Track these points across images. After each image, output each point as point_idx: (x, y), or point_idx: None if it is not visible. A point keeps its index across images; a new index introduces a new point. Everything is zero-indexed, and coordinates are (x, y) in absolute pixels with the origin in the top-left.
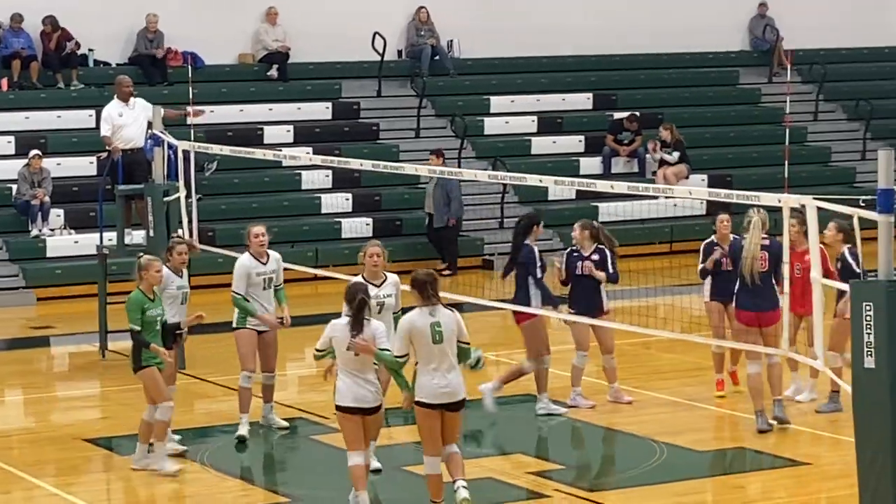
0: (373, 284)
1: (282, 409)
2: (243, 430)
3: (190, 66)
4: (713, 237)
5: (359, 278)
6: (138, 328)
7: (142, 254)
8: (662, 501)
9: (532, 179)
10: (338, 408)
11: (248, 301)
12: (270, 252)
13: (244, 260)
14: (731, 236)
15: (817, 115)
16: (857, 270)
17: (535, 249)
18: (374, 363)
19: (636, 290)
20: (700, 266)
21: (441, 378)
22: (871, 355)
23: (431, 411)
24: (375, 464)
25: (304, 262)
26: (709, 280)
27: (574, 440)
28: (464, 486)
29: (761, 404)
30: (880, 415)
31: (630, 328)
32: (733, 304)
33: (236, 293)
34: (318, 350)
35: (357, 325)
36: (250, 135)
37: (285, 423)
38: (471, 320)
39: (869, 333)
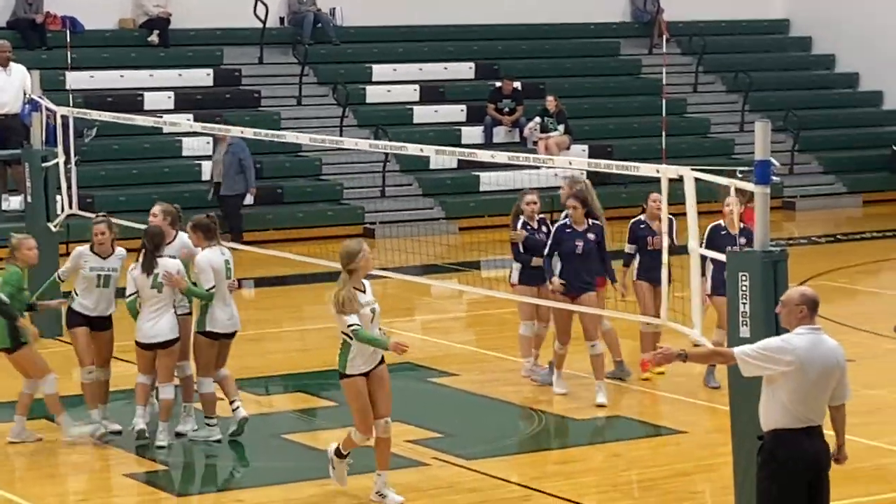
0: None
1: None
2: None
3: (69, 31)
4: (641, 216)
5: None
6: (7, 300)
7: (13, 234)
8: (541, 469)
9: (413, 148)
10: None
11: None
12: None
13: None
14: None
15: (697, 87)
16: None
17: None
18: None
19: None
20: (627, 248)
21: (230, 310)
22: (746, 325)
23: (215, 341)
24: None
25: (185, 229)
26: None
27: (453, 408)
28: (240, 405)
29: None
30: (755, 383)
31: (510, 296)
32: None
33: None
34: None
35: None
36: (131, 101)
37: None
38: None
39: (744, 303)
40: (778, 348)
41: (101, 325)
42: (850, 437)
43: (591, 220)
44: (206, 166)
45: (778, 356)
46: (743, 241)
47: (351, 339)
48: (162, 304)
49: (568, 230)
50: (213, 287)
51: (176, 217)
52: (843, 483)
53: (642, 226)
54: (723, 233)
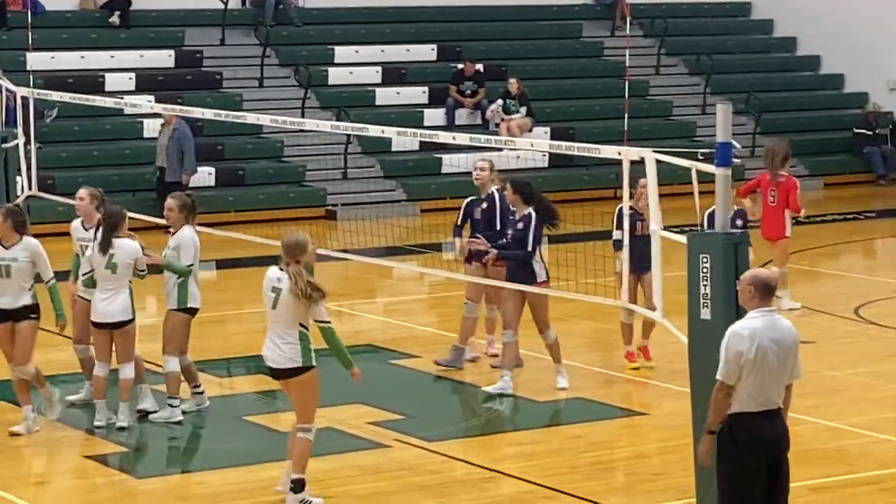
0: (171, 232)
1: None
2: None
3: (30, 12)
4: (629, 202)
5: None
6: None
7: None
8: (502, 451)
9: (375, 130)
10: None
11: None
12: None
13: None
14: None
15: (659, 70)
16: None
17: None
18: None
19: None
20: (615, 234)
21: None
22: (707, 307)
23: (192, 318)
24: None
25: (146, 210)
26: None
27: (414, 390)
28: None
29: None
30: (715, 365)
31: (472, 278)
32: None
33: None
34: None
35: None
36: (91, 82)
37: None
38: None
39: (705, 285)
40: (733, 347)
41: (14, 316)
42: (809, 419)
43: (529, 209)
44: None
45: (737, 349)
46: (739, 223)
47: (307, 329)
48: (116, 284)
49: (511, 217)
50: (192, 264)
51: (101, 200)
52: (802, 465)
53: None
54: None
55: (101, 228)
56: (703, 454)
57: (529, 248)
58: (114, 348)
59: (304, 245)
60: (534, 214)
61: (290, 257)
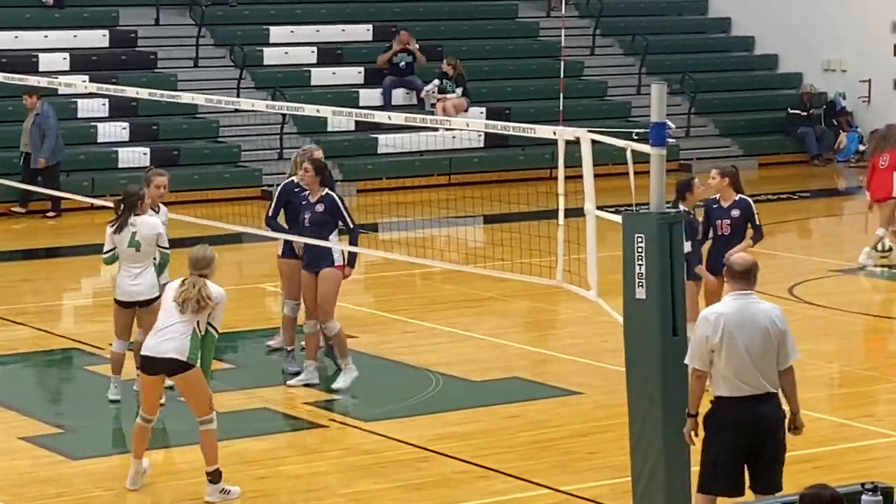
0: (153, 210)
1: (57, 339)
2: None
3: None
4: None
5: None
6: None
7: None
8: (438, 431)
9: (310, 110)
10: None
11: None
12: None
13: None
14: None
15: (594, 50)
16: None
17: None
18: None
19: (414, 221)
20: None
21: None
22: (641, 286)
23: None
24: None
25: (80, 191)
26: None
27: None
28: None
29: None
30: (650, 344)
31: (408, 258)
32: None
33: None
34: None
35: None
36: (25, 62)
37: None
38: (248, 251)
39: (640, 265)
40: (699, 332)
41: None
42: None
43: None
44: (102, 128)
45: (703, 333)
46: (736, 213)
47: (204, 334)
48: (141, 262)
49: (303, 201)
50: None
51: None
52: None
53: (715, 206)
54: (715, 206)
55: (121, 208)
56: (686, 435)
57: (352, 225)
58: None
59: (211, 260)
60: (334, 195)
61: (196, 269)
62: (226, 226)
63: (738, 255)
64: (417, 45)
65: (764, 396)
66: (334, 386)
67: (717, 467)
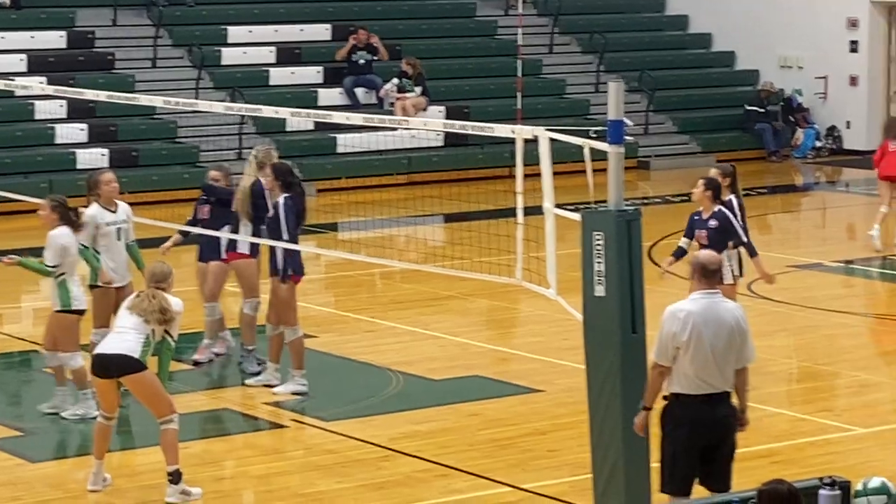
0: (109, 210)
1: (16, 342)
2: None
3: None
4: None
5: (93, 206)
6: None
7: None
8: (399, 430)
9: (268, 111)
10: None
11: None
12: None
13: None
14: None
15: (553, 48)
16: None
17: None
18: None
19: (374, 220)
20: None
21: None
22: (601, 283)
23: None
24: None
25: (38, 193)
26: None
27: (311, 370)
28: None
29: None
30: (609, 341)
31: (368, 258)
32: None
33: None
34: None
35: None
36: None
37: None
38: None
39: (599, 262)
40: (666, 328)
41: None
42: None
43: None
44: (60, 129)
45: (671, 330)
46: (714, 223)
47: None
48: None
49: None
50: (55, 266)
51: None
52: None
53: (696, 216)
54: (696, 216)
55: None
56: (636, 427)
57: (286, 236)
58: None
59: (168, 274)
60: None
61: (153, 283)
62: (184, 228)
63: (707, 254)
64: (378, 38)
65: (722, 395)
66: (274, 390)
67: (675, 465)
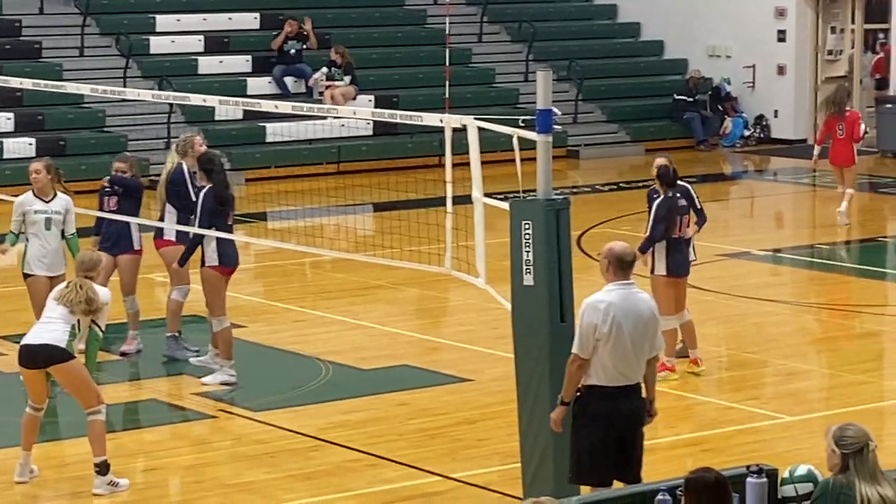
0: (42, 200)
1: None
2: None
3: None
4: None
5: (27, 193)
6: None
7: None
8: (328, 419)
9: (196, 99)
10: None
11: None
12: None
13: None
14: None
15: (482, 37)
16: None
17: None
18: None
19: (304, 209)
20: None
21: None
22: (529, 273)
23: None
24: None
25: None
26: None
27: (240, 360)
28: None
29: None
30: (538, 330)
31: (297, 247)
32: None
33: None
34: None
35: None
36: None
37: None
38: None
39: (528, 251)
40: (587, 320)
41: None
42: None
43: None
44: None
45: (591, 322)
46: (682, 202)
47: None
48: None
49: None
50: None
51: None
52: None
53: (655, 195)
54: (655, 195)
55: None
56: (554, 423)
57: (198, 224)
58: None
59: (97, 264)
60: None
61: (82, 271)
62: (112, 216)
63: (624, 245)
64: (310, 26)
65: (635, 386)
66: (203, 380)
67: (593, 457)
